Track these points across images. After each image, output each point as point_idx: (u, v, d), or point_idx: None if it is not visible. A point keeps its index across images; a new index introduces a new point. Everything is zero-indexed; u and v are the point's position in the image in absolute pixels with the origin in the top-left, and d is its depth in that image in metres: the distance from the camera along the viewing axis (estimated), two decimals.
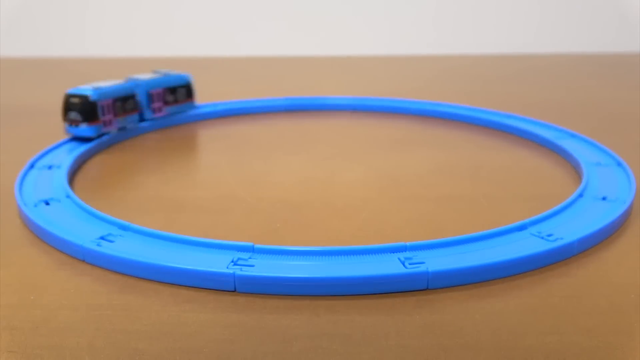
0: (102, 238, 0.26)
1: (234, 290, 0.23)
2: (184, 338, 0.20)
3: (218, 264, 0.24)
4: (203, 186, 0.35)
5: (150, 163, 0.40)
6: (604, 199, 0.30)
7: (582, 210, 0.29)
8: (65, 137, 0.42)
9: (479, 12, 0.92)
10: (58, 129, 0.43)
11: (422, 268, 0.23)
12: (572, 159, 0.38)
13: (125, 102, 0.43)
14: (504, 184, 0.35)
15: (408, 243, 0.25)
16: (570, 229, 0.27)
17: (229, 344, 0.20)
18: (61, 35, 0.93)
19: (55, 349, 0.20)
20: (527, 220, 0.27)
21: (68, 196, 0.31)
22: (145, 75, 0.47)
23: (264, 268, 0.24)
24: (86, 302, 0.23)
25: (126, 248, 0.25)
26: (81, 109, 0.40)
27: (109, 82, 0.43)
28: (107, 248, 0.25)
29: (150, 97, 0.46)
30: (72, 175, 0.37)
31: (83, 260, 0.26)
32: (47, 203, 0.31)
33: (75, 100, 0.41)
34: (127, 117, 0.44)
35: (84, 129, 0.41)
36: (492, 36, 0.92)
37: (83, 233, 0.27)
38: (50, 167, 0.36)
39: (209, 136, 0.47)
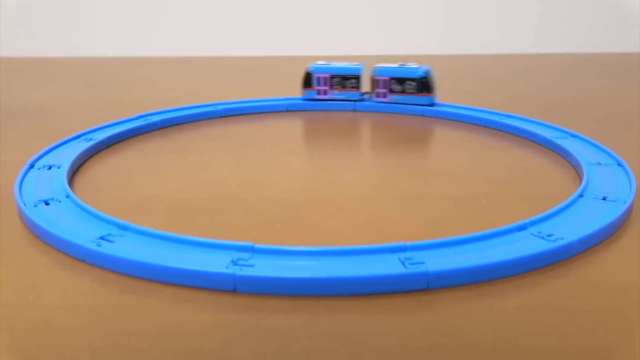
0: (102, 238, 0.26)
1: (234, 290, 0.23)
2: (184, 338, 0.20)
3: (218, 264, 0.24)
4: (203, 186, 0.35)
5: (150, 163, 0.40)
6: (604, 199, 0.30)
7: (582, 210, 0.29)
8: (65, 137, 0.42)
9: (479, 12, 0.92)
10: (58, 129, 0.43)
11: (422, 268, 0.23)
12: (572, 159, 0.38)
13: (345, 79, 0.52)
14: (504, 184, 0.35)
15: (408, 243, 0.25)
16: (570, 229, 0.27)
17: (229, 344, 0.20)
18: (61, 35, 0.93)
19: (55, 349, 0.20)
20: (527, 220, 0.27)
21: (68, 196, 0.31)
22: (386, 64, 0.52)
23: (264, 268, 0.24)
24: (86, 302, 0.23)
25: (126, 248, 0.25)
26: (304, 77, 0.53)
27: (349, 64, 0.53)
28: (107, 248, 0.25)
29: (375, 82, 0.52)
30: (72, 175, 0.37)
31: (83, 260, 0.26)
32: (47, 203, 0.31)
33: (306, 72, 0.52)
34: (345, 92, 0.53)
35: (304, 91, 0.53)
36: (492, 36, 0.92)
37: (83, 233, 0.27)
38: (50, 167, 0.36)
39: (209, 136, 0.47)
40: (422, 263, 0.24)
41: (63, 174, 0.34)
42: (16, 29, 0.93)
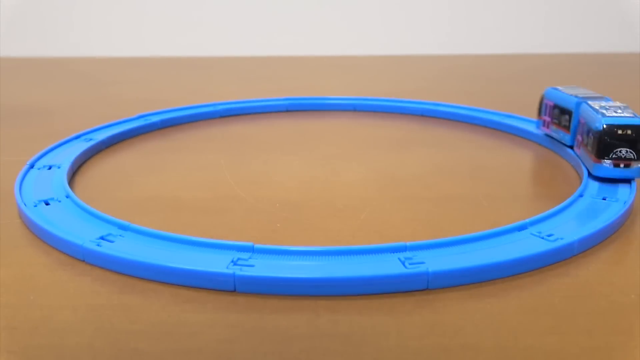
0: (102, 238, 0.26)
1: (234, 290, 0.23)
2: (184, 338, 0.20)
3: (218, 264, 0.24)
4: (203, 186, 0.35)
5: (150, 163, 0.40)
6: (604, 199, 0.30)
7: (582, 210, 0.29)
8: (65, 137, 0.42)
9: (479, 12, 0.92)
10: (58, 129, 0.43)
11: (422, 268, 0.23)
12: (572, 159, 0.38)
13: (562, 113, 0.38)
14: (504, 184, 0.35)
15: (408, 243, 0.25)
16: (570, 229, 0.27)
17: (229, 344, 0.20)
18: (61, 35, 0.93)
19: (55, 349, 0.20)
20: (527, 220, 0.27)
21: (68, 196, 0.31)
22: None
23: (263, 268, 0.24)
24: (86, 302, 0.23)
25: (126, 248, 0.25)
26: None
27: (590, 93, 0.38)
28: (107, 248, 0.25)
29: (578, 125, 0.36)
30: (72, 175, 0.37)
31: (83, 260, 0.26)
32: (47, 203, 0.31)
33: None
34: (558, 130, 0.38)
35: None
36: (492, 36, 0.92)
37: (83, 233, 0.27)
38: (50, 167, 0.36)
39: (209, 136, 0.47)
40: (422, 263, 0.24)
41: (63, 174, 0.34)
42: (16, 29, 0.93)
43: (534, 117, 0.47)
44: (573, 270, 0.25)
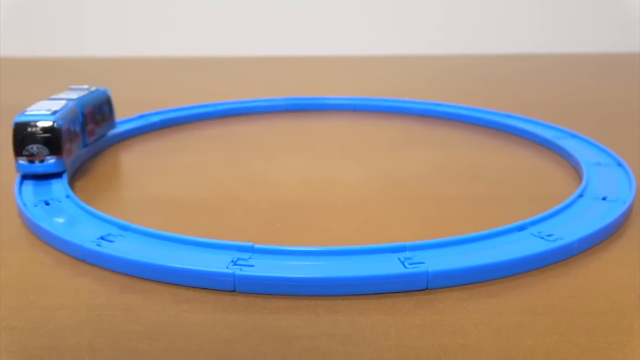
0: (102, 238, 0.26)
1: (234, 290, 0.23)
2: (184, 338, 0.20)
3: (218, 264, 0.24)
4: (203, 186, 0.35)
5: (150, 163, 0.40)
6: (604, 199, 0.30)
7: (582, 210, 0.29)
8: None
9: (479, 12, 0.92)
10: None
11: (422, 268, 0.23)
12: (572, 159, 0.38)
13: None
14: (504, 184, 0.35)
15: (408, 243, 0.25)
16: (570, 229, 0.27)
17: (229, 344, 0.20)
18: (60, 35, 0.93)
19: (55, 349, 0.20)
20: (527, 220, 0.27)
21: (68, 196, 0.31)
22: (68, 93, 0.38)
23: (263, 268, 0.24)
24: (86, 302, 0.23)
25: (126, 248, 0.25)
26: (47, 140, 0.33)
27: (47, 104, 0.35)
28: (107, 248, 0.25)
29: (85, 118, 0.37)
30: (72, 175, 0.37)
31: (83, 260, 0.26)
32: (47, 203, 0.31)
33: (33, 129, 0.32)
34: (78, 143, 0.37)
35: (53, 164, 0.33)
36: (492, 36, 0.92)
37: (83, 233, 0.27)
38: None
39: (209, 136, 0.47)
40: (422, 263, 0.24)
41: (63, 174, 0.34)
42: (16, 29, 0.93)
43: (534, 117, 0.47)
44: (573, 270, 0.25)
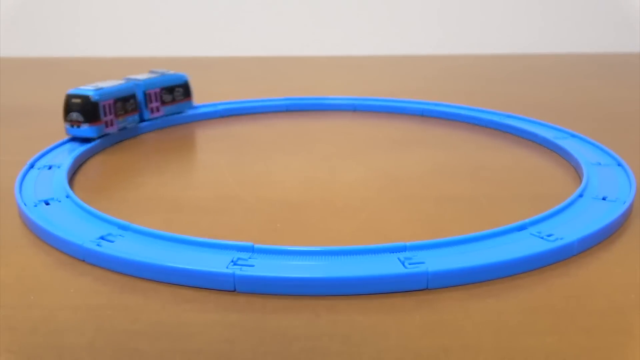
0: (102, 238, 0.26)
1: (234, 290, 0.23)
2: (184, 338, 0.20)
3: (218, 263, 0.24)
4: (203, 186, 0.35)
5: (150, 163, 0.40)
6: (604, 199, 0.30)
7: (582, 210, 0.29)
8: (65, 137, 0.42)
9: (479, 12, 0.92)
10: (58, 129, 0.43)
11: (421, 268, 0.23)
12: (572, 159, 0.38)
13: (126, 102, 0.43)
14: (504, 184, 0.35)
15: (408, 243, 0.25)
16: (570, 229, 0.27)
17: (229, 344, 0.20)
18: (61, 35, 0.93)
19: (55, 349, 0.20)
20: (527, 220, 0.27)
21: (68, 196, 0.31)
22: (143, 75, 0.47)
23: (263, 268, 0.24)
24: (86, 302, 0.23)
25: (126, 248, 0.25)
26: (83, 110, 0.40)
27: (109, 83, 0.43)
28: (107, 248, 0.25)
29: (147, 97, 0.46)
30: (72, 175, 0.37)
31: (83, 260, 0.26)
32: (47, 203, 0.31)
33: (76, 100, 0.40)
34: (127, 118, 0.44)
35: (86, 129, 0.40)
36: (492, 36, 0.92)
37: (83, 233, 0.27)
38: (50, 167, 0.36)
39: (209, 136, 0.47)
40: (422, 263, 0.24)
41: (63, 174, 0.34)
42: (16, 29, 0.93)
43: (534, 117, 0.47)
44: (573, 270, 0.25)
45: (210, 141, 0.45)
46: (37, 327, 0.21)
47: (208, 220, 0.30)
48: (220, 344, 0.20)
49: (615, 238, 0.27)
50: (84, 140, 0.41)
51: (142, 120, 0.46)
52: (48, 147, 0.39)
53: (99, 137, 0.41)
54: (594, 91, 0.62)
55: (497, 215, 0.30)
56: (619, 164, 0.35)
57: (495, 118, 0.48)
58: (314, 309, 0.22)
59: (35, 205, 0.30)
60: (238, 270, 0.23)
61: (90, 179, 0.36)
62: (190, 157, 0.41)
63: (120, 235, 0.27)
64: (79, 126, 0.40)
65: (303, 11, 0.93)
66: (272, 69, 0.78)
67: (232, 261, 0.24)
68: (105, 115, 0.41)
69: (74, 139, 0.41)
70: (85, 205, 0.29)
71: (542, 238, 0.26)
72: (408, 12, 0.92)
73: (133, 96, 0.44)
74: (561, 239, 0.26)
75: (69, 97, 0.40)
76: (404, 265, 0.24)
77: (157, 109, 0.47)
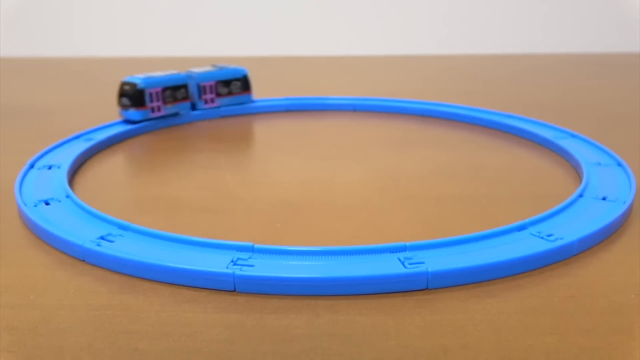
0: (102, 238, 0.26)
1: (234, 290, 0.23)
2: (184, 338, 0.20)
3: (218, 264, 0.24)
4: (203, 186, 0.35)
5: (150, 163, 0.40)
6: (604, 199, 0.30)
7: (582, 210, 0.29)
8: (65, 137, 0.42)
9: (479, 12, 0.92)
10: (58, 128, 0.43)
11: (421, 268, 0.23)
12: (572, 159, 0.38)
13: (175, 91, 0.47)
14: (504, 184, 0.35)
15: (408, 243, 0.25)
16: (570, 229, 0.27)
17: (229, 344, 0.20)
18: (61, 35, 0.93)
19: (55, 349, 0.20)
20: (527, 220, 0.27)
21: (68, 196, 0.31)
22: (202, 68, 0.51)
23: (263, 268, 0.24)
24: (86, 302, 0.23)
25: (126, 248, 0.25)
26: (131, 95, 0.45)
27: (162, 73, 0.47)
28: (107, 248, 0.25)
29: (202, 89, 0.49)
30: (72, 175, 0.37)
31: (83, 260, 0.26)
32: (47, 203, 0.31)
33: (127, 87, 0.45)
34: (177, 105, 0.48)
35: (133, 113, 0.45)
36: (492, 36, 0.92)
37: (83, 233, 0.27)
38: (50, 167, 0.36)
39: (208, 136, 0.47)
40: (422, 263, 0.24)
41: (63, 174, 0.34)
42: (16, 29, 0.93)
43: (534, 117, 0.47)
44: (573, 270, 0.25)
45: (210, 141, 0.45)
46: (37, 327, 0.21)
47: (208, 220, 0.30)
48: (220, 344, 0.20)
49: (615, 238, 0.27)
50: (132, 122, 0.46)
51: (194, 109, 0.50)
52: (48, 147, 0.39)
53: (145, 120, 0.46)
54: (594, 91, 0.62)
55: (497, 215, 0.30)
56: (619, 164, 0.35)
57: (495, 118, 0.48)
58: (314, 309, 0.22)
59: (35, 205, 0.30)
60: (238, 270, 0.23)
61: (90, 179, 0.36)
62: (190, 157, 0.41)
63: (120, 235, 0.27)
64: (127, 109, 0.45)
65: (303, 11, 0.93)
66: (272, 69, 0.78)
67: (232, 261, 0.24)
68: (151, 101, 0.46)
69: (126, 121, 0.46)
70: (85, 205, 0.29)
71: (542, 238, 0.26)
72: (408, 12, 0.92)
73: (184, 86, 0.48)
74: (561, 239, 0.26)
75: (122, 84, 0.46)
76: (404, 265, 0.24)
77: (212, 100, 0.50)
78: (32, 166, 0.36)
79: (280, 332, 0.21)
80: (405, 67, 0.80)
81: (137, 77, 0.46)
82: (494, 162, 0.39)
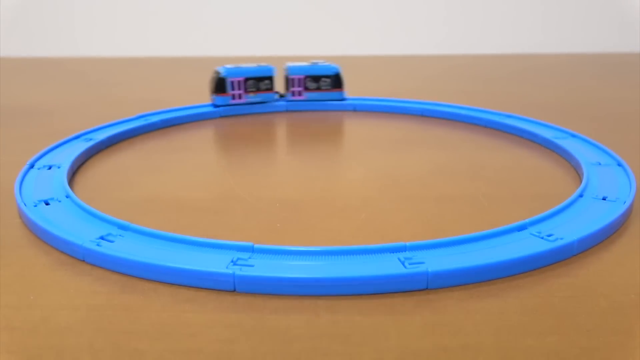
0: (102, 238, 0.26)
1: (234, 290, 0.23)
2: (184, 338, 0.20)
3: (218, 263, 0.24)
4: (203, 186, 0.35)
5: (150, 163, 0.40)
6: (604, 199, 0.30)
7: (582, 210, 0.29)
8: (65, 137, 0.42)
9: (479, 12, 0.92)
10: (58, 128, 0.43)
11: (422, 268, 0.23)
12: (572, 159, 0.38)
13: (259, 81, 0.51)
14: (504, 184, 0.35)
15: (408, 243, 0.25)
16: (570, 229, 0.27)
17: (229, 344, 0.20)
18: (61, 35, 0.93)
19: (55, 349, 0.20)
20: (527, 220, 0.27)
21: (68, 196, 0.31)
22: (296, 63, 0.54)
23: (263, 268, 0.24)
24: (86, 302, 0.23)
25: (126, 248, 0.25)
26: (215, 83, 0.51)
27: (251, 64, 0.52)
28: (107, 248, 0.25)
29: (290, 82, 0.53)
30: (72, 175, 0.37)
31: (83, 260, 0.26)
32: (47, 203, 0.31)
33: (214, 75, 0.51)
34: (260, 94, 0.52)
35: (217, 98, 0.51)
36: (492, 36, 0.92)
37: (83, 233, 0.27)
38: (50, 167, 0.36)
39: (209, 136, 0.47)
40: (422, 263, 0.24)
41: (63, 174, 0.34)
42: (16, 29, 0.93)
43: (534, 117, 0.47)
44: (573, 270, 0.25)
45: (210, 141, 0.45)
46: (37, 327, 0.21)
47: (208, 220, 0.30)
48: (220, 344, 0.20)
49: (615, 238, 0.27)
50: (216, 106, 0.51)
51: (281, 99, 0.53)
52: (48, 147, 0.39)
53: (226, 106, 0.51)
54: (594, 91, 0.62)
55: (497, 215, 0.30)
56: (619, 164, 0.35)
57: (495, 118, 0.48)
58: (314, 309, 0.22)
59: (35, 205, 0.30)
60: (238, 270, 0.23)
61: (90, 179, 0.36)
62: (190, 157, 0.41)
63: (120, 235, 0.27)
64: (214, 95, 0.51)
65: (303, 11, 0.93)
66: None
67: (232, 261, 0.24)
68: (233, 89, 0.50)
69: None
70: (85, 205, 0.29)
71: (542, 238, 0.26)
72: (408, 12, 0.92)
73: (269, 78, 0.52)
74: (561, 239, 0.26)
75: (214, 73, 0.51)
76: (404, 265, 0.24)
77: (299, 93, 0.53)
78: (32, 166, 0.36)
79: (280, 332, 0.21)
80: (405, 67, 0.80)
81: (225, 67, 0.50)
82: (494, 162, 0.39)
